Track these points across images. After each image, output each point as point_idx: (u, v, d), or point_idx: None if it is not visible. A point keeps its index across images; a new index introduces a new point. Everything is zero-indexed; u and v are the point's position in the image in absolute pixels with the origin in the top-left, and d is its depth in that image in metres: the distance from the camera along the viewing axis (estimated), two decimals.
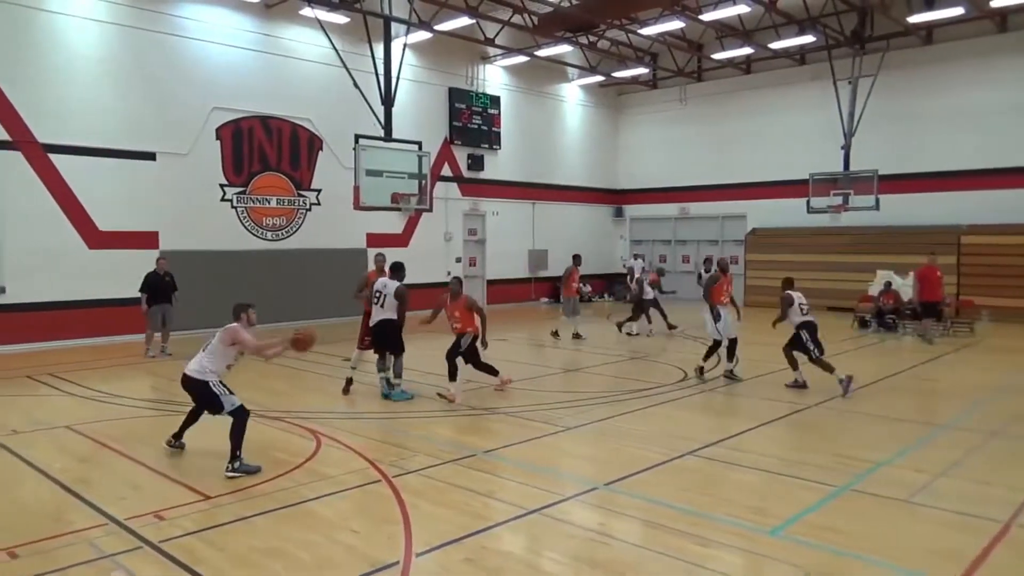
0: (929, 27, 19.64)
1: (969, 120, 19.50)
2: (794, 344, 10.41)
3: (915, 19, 18.33)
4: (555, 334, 15.72)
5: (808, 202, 20.20)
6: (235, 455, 6.54)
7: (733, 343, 11.24)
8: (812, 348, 10.20)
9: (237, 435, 6.59)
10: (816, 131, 21.65)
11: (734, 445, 7.54)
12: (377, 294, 9.63)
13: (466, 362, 9.79)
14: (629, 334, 15.90)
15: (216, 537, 5.20)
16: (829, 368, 10.09)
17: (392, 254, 19.87)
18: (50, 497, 6.12)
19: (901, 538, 5.23)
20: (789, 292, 10.55)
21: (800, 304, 10.43)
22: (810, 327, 10.34)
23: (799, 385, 10.33)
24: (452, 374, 9.67)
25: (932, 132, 20.09)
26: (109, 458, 7.26)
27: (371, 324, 9.74)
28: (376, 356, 9.92)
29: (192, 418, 7.31)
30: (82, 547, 5.01)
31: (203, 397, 6.85)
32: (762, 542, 5.09)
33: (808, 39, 20.02)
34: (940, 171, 19.91)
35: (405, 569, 4.66)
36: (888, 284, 17.19)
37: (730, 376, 11.09)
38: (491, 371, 10.00)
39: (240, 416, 6.70)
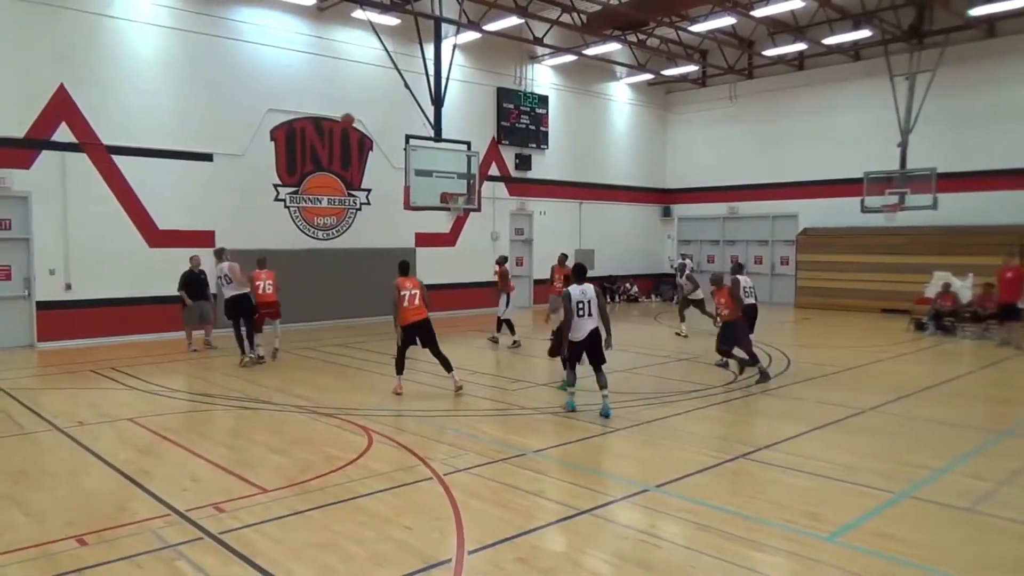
0: (991, 20, 19.00)
1: None
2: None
3: (977, 12, 17.75)
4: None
5: (862, 201, 19.72)
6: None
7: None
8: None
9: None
10: (871, 129, 21.15)
11: (787, 449, 7.42)
12: (580, 304, 8.70)
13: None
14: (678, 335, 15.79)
15: (273, 530, 5.33)
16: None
17: (439, 253, 20.34)
18: (115, 487, 6.35)
19: (963, 547, 5.09)
20: (737, 277, 12.09)
21: (745, 288, 11.92)
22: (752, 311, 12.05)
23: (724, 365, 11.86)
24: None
25: (994, 129, 19.43)
26: (169, 450, 7.49)
27: (582, 337, 8.76)
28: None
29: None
30: (146, 536, 5.19)
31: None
32: (817, 548, 5.01)
33: (863, 34, 19.57)
34: (1003, 169, 19.24)
35: (458, 567, 4.71)
36: (947, 286, 16.69)
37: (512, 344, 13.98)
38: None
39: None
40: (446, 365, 9.98)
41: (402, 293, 9.77)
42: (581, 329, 8.77)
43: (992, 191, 19.41)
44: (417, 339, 9.91)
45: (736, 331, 10.95)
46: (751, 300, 12.13)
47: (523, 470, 6.72)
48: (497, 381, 10.91)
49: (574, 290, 8.80)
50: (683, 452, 7.34)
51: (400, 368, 10.04)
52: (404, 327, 9.81)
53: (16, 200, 13.96)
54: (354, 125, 18.33)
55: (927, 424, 8.57)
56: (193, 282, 13.82)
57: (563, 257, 16.31)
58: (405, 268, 10.33)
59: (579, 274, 9.11)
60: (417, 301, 9.82)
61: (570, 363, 9.03)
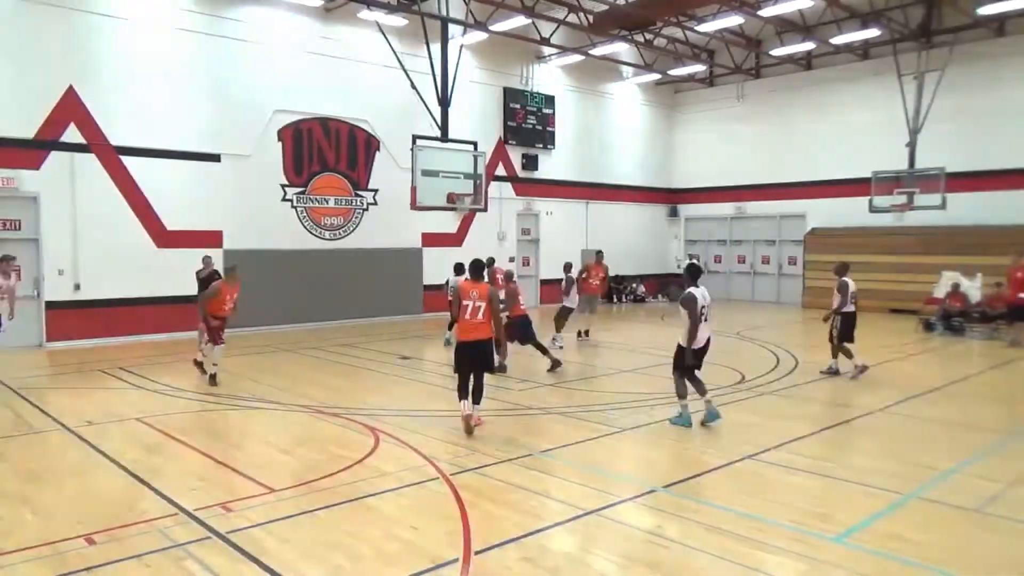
0: (1000, 18, 18.88)
1: None
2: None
3: (985, 10, 17.64)
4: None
5: (870, 201, 19.63)
6: None
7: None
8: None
9: None
10: (879, 128, 21.03)
11: (795, 449, 7.39)
12: (703, 309, 8.11)
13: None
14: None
15: (280, 529, 5.35)
16: (849, 354, 11.12)
17: (446, 254, 20.35)
18: (123, 487, 6.37)
19: (972, 549, 5.07)
20: (846, 279, 11.25)
21: (852, 293, 11.19)
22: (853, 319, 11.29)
23: (834, 372, 11.28)
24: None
25: (1003, 128, 19.31)
26: (177, 450, 7.51)
27: (703, 343, 8.24)
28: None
29: None
30: (155, 535, 5.20)
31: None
32: (825, 549, 4.99)
33: (872, 33, 19.50)
34: (1012, 168, 19.13)
35: (464, 567, 4.71)
36: (956, 286, 16.62)
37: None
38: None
39: None
40: (477, 394, 8.06)
41: (464, 303, 7.87)
42: (703, 335, 8.15)
43: (1001, 190, 19.29)
44: (476, 363, 7.96)
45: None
46: (851, 308, 11.18)
47: (530, 470, 6.71)
48: (502, 381, 10.90)
49: (698, 293, 8.06)
50: (691, 452, 7.33)
51: (463, 392, 7.96)
52: (458, 344, 8.06)
53: (25, 200, 14.03)
54: (363, 127, 18.40)
55: (936, 425, 8.52)
56: (207, 282, 13.84)
57: (600, 255, 15.85)
58: (474, 269, 8.19)
59: (695, 275, 8.30)
60: (480, 316, 7.81)
61: (688, 373, 8.25)
